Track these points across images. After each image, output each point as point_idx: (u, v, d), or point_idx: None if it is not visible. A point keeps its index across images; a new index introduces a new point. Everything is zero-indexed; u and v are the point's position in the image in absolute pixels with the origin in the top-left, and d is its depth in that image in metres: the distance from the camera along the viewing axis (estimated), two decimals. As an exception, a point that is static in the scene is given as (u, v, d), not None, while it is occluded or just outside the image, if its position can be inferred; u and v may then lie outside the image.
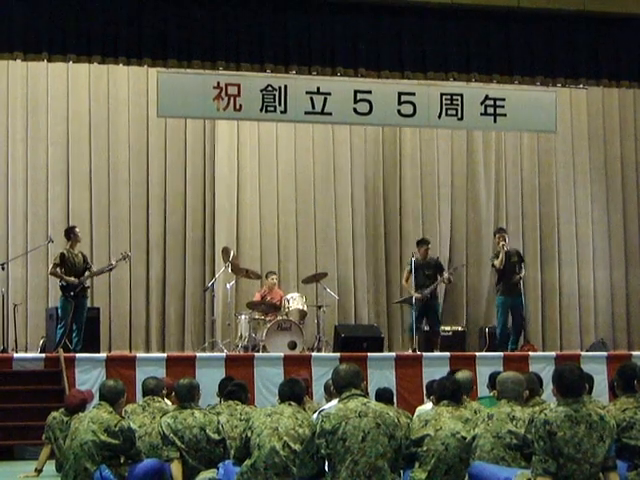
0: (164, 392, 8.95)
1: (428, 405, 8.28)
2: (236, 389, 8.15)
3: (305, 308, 14.00)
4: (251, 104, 13.78)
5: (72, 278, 12.58)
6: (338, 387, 6.26)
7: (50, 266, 12.98)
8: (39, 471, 9.17)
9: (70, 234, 12.96)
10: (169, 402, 8.90)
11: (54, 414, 9.28)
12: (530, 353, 13.43)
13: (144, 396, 8.83)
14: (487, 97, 14.53)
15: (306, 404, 7.96)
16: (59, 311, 12.68)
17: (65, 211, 15.33)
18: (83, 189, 15.44)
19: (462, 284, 16.63)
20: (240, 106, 13.75)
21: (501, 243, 13.97)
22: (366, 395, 6.41)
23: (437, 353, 13.17)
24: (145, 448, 7.76)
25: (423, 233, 16.60)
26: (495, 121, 14.64)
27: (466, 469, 6.47)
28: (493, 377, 7.98)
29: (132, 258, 15.25)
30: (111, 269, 13.51)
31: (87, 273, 12.80)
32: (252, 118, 14.67)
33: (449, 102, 14.36)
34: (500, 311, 13.99)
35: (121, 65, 13.71)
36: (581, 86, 15.28)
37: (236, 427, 7.49)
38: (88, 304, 13.30)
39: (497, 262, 13.88)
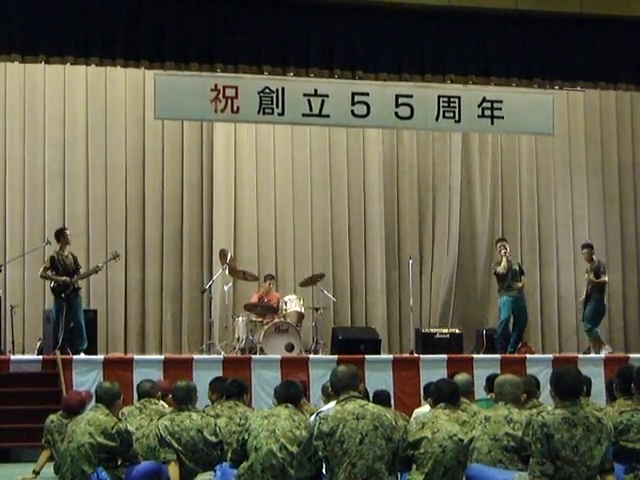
0: (159, 394, 8.95)
1: (425, 407, 8.25)
2: (235, 388, 8.11)
3: (302, 310, 14.00)
4: (249, 106, 13.77)
5: (64, 277, 12.53)
6: (336, 389, 6.25)
7: (40, 269, 12.92)
8: (37, 473, 9.14)
9: (60, 236, 12.90)
10: (165, 404, 8.89)
11: (52, 417, 9.23)
12: (527, 355, 13.45)
13: (140, 398, 8.82)
14: (484, 99, 14.52)
15: (303, 406, 7.96)
16: (54, 314, 12.66)
17: (62, 213, 15.31)
18: (80, 191, 15.44)
19: (459, 286, 16.65)
20: (237, 108, 13.74)
21: (502, 251, 14.23)
22: (365, 397, 6.40)
23: (434, 355, 13.10)
24: (142, 450, 7.77)
25: (420, 234, 16.62)
26: (492, 123, 14.63)
27: (463, 471, 6.47)
28: (490, 379, 7.98)
29: (129, 260, 15.32)
30: (97, 271, 13.45)
31: (77, 275, 12.76)
32: (249, 120, 14.67)
33: (446, 104, 14.35)
34: (504, 309, 14.02)
35: (118, 67, 13.68)
36: (578, 88, 15.26)
37: (234, 433, 7.47)
38: (84, 306, 13.28)
39: (500, 268, 14.06)
